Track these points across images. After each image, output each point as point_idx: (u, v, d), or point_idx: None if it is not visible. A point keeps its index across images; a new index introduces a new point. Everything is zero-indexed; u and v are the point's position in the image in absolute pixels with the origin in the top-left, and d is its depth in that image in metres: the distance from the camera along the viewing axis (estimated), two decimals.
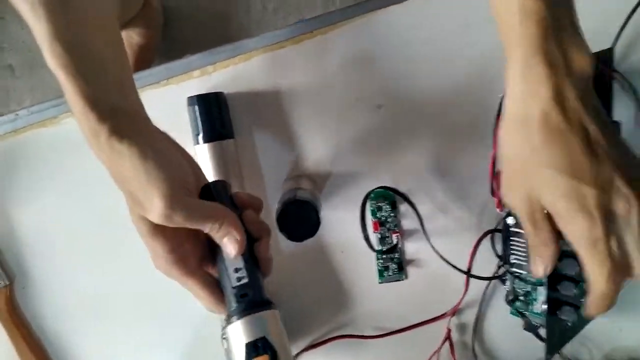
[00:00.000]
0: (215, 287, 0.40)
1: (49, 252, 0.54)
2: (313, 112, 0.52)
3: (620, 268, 0.36)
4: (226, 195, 0.42)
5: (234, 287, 0.38)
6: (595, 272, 0.36)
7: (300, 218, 0.43)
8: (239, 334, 0.37)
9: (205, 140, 0.48)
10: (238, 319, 0.37)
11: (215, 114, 0.49)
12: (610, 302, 0.37)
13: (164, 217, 0.36)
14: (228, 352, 0.39)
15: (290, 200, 0.43)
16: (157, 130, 0.41)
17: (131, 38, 0.89)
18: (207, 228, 0.38)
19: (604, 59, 0.43)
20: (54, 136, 0.51)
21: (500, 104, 0.47)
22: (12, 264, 0.54)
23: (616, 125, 0.48)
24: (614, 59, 0.50)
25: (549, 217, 0.38)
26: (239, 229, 0.39)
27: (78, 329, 0.56)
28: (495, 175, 0.50)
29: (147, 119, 0.40)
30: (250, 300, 0.38)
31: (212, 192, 0.41)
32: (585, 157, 0.34)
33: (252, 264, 0.40)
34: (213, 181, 0.43)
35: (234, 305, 0.38)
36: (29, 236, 0.53)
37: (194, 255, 0.40)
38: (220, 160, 0.49)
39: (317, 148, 0.53)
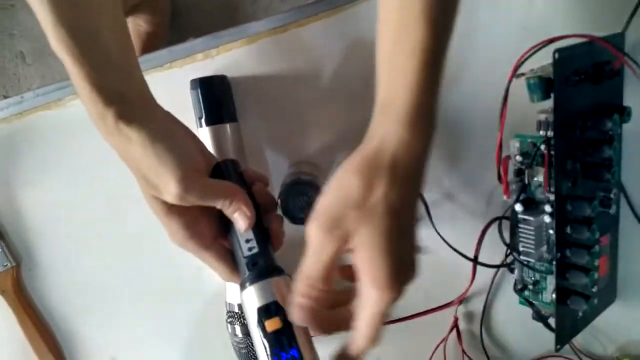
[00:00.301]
0: (229, 259, 0.42)
1: (55, 234, 0.54)
2: (319, 97, 0.51)
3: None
4: (236, 172, 0.44)
5: (245, 257, 0.40)
6: (363, 340, 0.36)
7: (303, 200, 0.42)
8: (251, 299, 0.39)
9: (208, 124, 0.48)
10: (250, 284, 0.39)
11: (218, 97, 0.48)
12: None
13: (178, 198, 0.38)
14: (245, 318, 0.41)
15: (293, 182, 0.43)
16: (163, 112, 0.41)
17: (139, 25, 0.89)
18: (218, 204, 0.40)
19: (616, 43, 0.42)
20: (59, 119, 0.51)
21: (507, 89, 0.46)
22: (19, 246, 0.54)
23: (625, 110, 0.46)
24: (625, 44, 0.48)
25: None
26: (249, 204, 0.41)
27: (84, 311, 0.56)
28: (503, 161, 0.49)
29: (153, 102, 0.41)
30: (261, 268, 0.40)
31: (223, 170, 0.43)
32: (412, 260, 0.36)
33: (262, 235, 0.42)
34: (223, 160, 0.44)
35: (246, 273, 0.40)
36: (35, 219, 0.54)
37: (208, 229, 0.42)
38: (223, 143, 0.48)
39: (322, 133, 0.52)
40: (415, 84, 0.34)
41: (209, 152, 0.45)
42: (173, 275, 0.55)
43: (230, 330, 0.51)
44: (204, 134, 0.48)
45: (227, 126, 0.49)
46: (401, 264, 0.35)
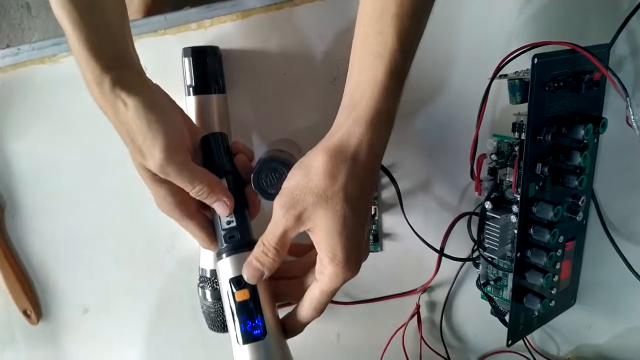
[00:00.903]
0: (210, 229, 0.45)
1: (39, 185, 0.56)
2: (307, 78, 0.52)
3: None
4: (224, 145, 0.46)
5: (223, 229, 0.43)
6: (307, 311, 0.41)
7: (274, 177, 0.44)
8: (225, 270, 0.42)
9: (196, 92, 0.49)
10: (226, 256, 0.42)
11: (208, 67, 0.49)
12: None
13: (159, 167, 0.40)
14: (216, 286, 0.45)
15: (268, 159, 0.44)
16: (153, 83, 0.43)
17: None
18: (193, 189, 0.41)
19: (599, 54, 0.43)
20: (51, 74, 0.52)
21: (488, 87, 0.47)
22: (4, 192, 0.56)
23: (601, 121, 0.48)
24: (610, 57, 0.49)
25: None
26: (227, 194, 0.43)
27: (61, 261, 0.58)
28: (478, 158, 0.50)
29: (144, 72, 0.43)
30: (237, 241, 0.43)
31: (211, 142, 0.45)
32: (365, 242, 0.40)
33: (241, 210, 0.44)
34: (212, 133, 0.46)
35: (223, 244, 0.43)
36: (21, 168, 0.55)
37: (193, 199, 0.43)
38: (209, 114, 0.49)
39: (307, 114, 0.53)
40: (382, 85, 0.36)
41: (196, 127, 0.47)
42: (149, 236, 0.57)
43: (200, 294, 0.53)
44: (191, 103, 0.50)
45: (215, 97, 0.50)
46: (356, 246, 0.38)
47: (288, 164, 0.43)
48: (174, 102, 0.45)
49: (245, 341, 0.41)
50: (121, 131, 0.40)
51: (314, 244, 0.39)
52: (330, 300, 0.40)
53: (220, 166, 0.45)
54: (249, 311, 0.41)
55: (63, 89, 0.53)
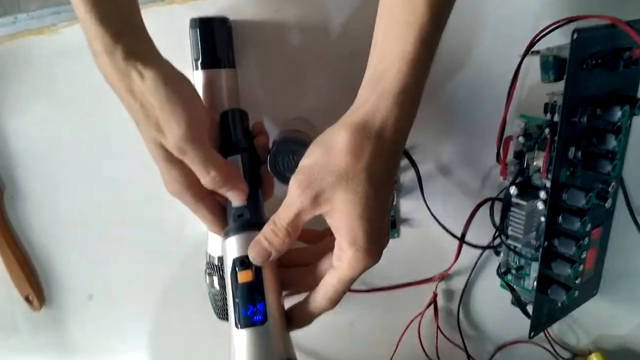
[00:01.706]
0: (221, 213, 0.42)
1: (40, 165, 0.53)
2: (323, 53, 0.49)
3: None
4: (242, 123, 0.44)
5: (233, 207, 0.41)
6: (321, 301, 0.38)
7: (293, 160, 0.41)
8: (231, 249, 0.39)
9: (204, 67, 0.46)
10: (232, 235, 0.40)
11: (217, 40, 0.46)
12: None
13: (177, 145, 0.37)
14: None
15: (284, 140, 0.41)
16: (164, 57, 0.40)
17: None
18: (208, 175, 0.39)
19: (637, 29, 0.40)
20: (51, 45, 0.49)
21: (519, 65, 0.44)
22: (2, 172, 0.53)
23: (638, 102, 0.44)
24: None
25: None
26: (242, 181, 0.41)
27: (64, 246, 0.55)
28: (505, 140, 0.47)
29: (154, 44, 0.40)
30: (246, 220, 0.40)
31: (229, 119, 0.43)
32: (386, 227, 0.37)
33: (254, 189, 0.42)
34: (232, 109, 0.44)
35: (231, 223, 0.41)
36: (20, 146, 0.52)
37: None
38: (217, 89, 0.46)
39: (322, 91, 0.50)
40: (410, 57, 0.33)
41: (209, 107, 0.44)
42: (156, 221, 0.54)
43: (208, 282, 0.50)
44: (199, 78, 0.46)
45: (224, 71, 0.46)
46: (378, 230, 0.35)
47: (305, 145, 0.40)
48: (186, 77, 0.41)
49: (243, 325, 0.38)
50: (133, 105, 0.37)
51: (332, 228, 0.36)
52: (347, 290, 0.37)
53: (237, 142, 0.43)
54: (250, 294, 0.38)
55: (63, 62, 0.49)
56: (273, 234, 0.37)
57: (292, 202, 0.35)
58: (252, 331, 0.37)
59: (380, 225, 0.35)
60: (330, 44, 0.49)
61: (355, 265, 0.35)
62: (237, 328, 0.38)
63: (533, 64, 0.46)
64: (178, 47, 0.45)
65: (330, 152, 0.34)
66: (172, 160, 0.39)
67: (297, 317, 0.39)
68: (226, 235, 0.40)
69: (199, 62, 0.46)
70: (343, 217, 0.34)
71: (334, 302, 0.38)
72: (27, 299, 0.56)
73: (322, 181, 0.34)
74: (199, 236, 0.52)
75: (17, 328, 0.58)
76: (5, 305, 0.57)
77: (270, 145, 0.43)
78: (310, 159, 0.35)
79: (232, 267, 0.38)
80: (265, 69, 0.49)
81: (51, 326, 0.58)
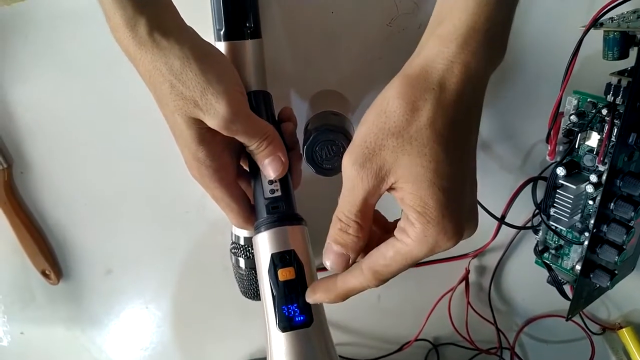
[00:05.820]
0: (247, 203, 0.39)
1: (50, 137, 0.49)
2: (360, 17, 0.44)
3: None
4: (268, 107, 0.41)
5: (266, 199, 0.38)
6: (365, 275, 0.31)
7: (332, 150, 0.37)
8: (266, 243, 0.36)
9: (227, 38, 0.41)
10: (267, 229, 0.36)
11: (242, 8, 0.41)
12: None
13: (225, 124, 0.34)
14: (255, 261, 0.38)
15: (323, 129, 0.38)
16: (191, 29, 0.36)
17: None
18: (253, 144, 0.36)
19: None
20: (55, 9, 0.44)
21: (581, 39, 0.39)
22: (10, 147, 0.50)
23: None
24: None
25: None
26: (284, 151, 0.38)
27: (79, 219, 0.53)
28: (556, 120, 0.44)
29: (180, 15, 0.36)
30: (282, 213, 0.37)
31: (254, 102, 0.40)
32: (469, 204, 0.30)
33: (285, 179, 0.39)
34: (255, 91, 0.40)
35: (264, 215, 0.37)
36: (28, 118, 0.48)
37: (232, 166, 0.38)
38: (242, 63, 0.41)
39: (358, 61, 0.45)
40: None
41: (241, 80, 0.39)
42: (178, 194, 0.51)
43: (234, 261, 0.49)
44: (222, 50, 0.42)
45: (249, 43, 0.42)
46: (455, 202, 0.28)
47: (346, 135, 0.37)
48: (218, 49, 0.37)
49: (284, 328, 0.35)
50: (161, 85, 0.33)
51: (400, 203, 0.29)
52: (402, 270, 0.30)
53: None
54: (293, 293, 0.35)
55: (70, 26, 0.44)
56: (342, 232, 0.31)
57: (352, 186, 0.29)
58: (294, 335, 0.35)
59: (457, 196, 0.29)
60: (367, 8, 0.44)
61: (424, 239, 0.28)
62: (277, 330, 0.35)
63: (591, 36, 0.41)
64: (199, 18, 0.40)
65: (386, 111, 0.28)
66: (202, 141, 0.35)
67: (327, 291, 0.33)
68: (258, 229, 0.37)
69: (222, 33, 0.41)
70: (409, 185, 0.28)
71: (380, 279, 0.31)
72: (43, 273, 0.55)
73: (383, 148, 0.28)
74: (219, 210, 0.50)
75: (35, 300, 0.57)
76: (22, 279, 0.56)
77: (304, 131, 0.40)
78: (363, 128, 0.29)
79: (270, 264, 0.36)
80: (294, 37, 0.45)
81: (70, 299, 0.57)
